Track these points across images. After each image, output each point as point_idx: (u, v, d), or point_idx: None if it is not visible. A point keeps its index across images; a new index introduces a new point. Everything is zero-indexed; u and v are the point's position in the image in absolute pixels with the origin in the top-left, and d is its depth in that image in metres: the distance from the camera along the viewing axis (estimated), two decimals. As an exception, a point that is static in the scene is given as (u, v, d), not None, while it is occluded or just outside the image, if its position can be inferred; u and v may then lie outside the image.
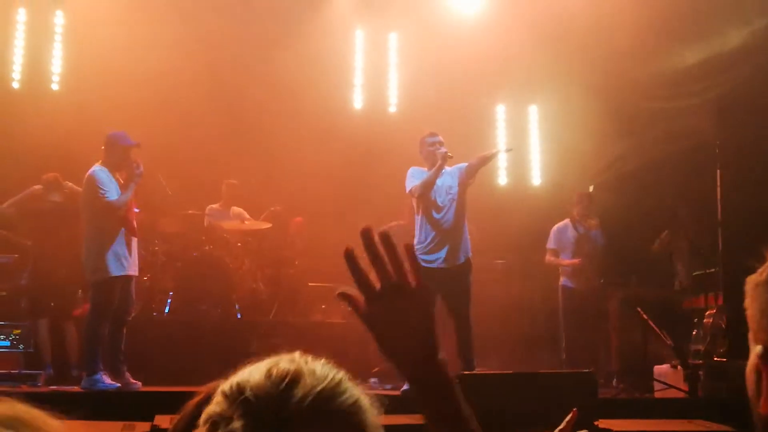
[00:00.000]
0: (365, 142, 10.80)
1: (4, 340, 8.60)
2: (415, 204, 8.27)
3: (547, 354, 10.17)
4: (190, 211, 10.02)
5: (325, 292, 10.33)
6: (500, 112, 11.85)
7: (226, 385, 1.18)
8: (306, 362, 1.20)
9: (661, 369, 8.84)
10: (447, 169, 8.09)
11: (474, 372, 7.31)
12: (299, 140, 10.45)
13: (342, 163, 10.60)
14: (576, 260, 9.70)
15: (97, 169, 7.74)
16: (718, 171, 8.73)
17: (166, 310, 9.32)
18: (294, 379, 1.15)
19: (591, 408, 6.34)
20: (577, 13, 10.46)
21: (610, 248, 9.86)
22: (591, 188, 10.11)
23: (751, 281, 1.22)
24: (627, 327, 9.55)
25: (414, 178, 8.11)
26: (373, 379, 9.24)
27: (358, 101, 11.40)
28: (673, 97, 10.14)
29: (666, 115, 10.05)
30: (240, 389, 1.15)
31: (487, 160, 8.29)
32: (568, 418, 2.13)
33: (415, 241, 8.09)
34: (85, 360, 7.72)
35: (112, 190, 7.66)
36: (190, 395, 1.31)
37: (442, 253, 7.99)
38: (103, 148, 7.84)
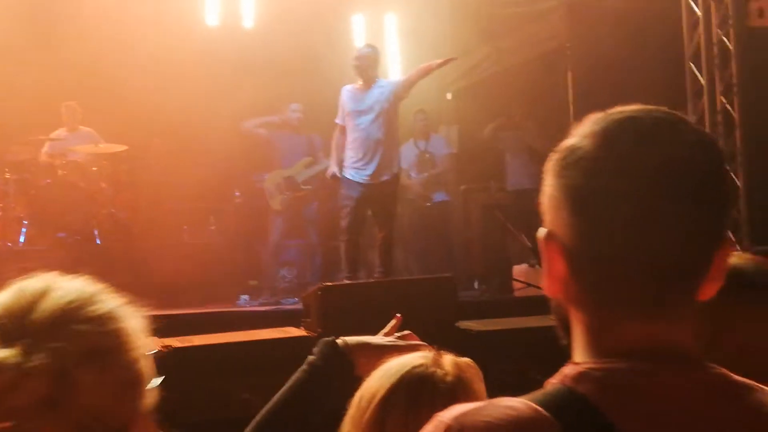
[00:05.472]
0: (222, 59, 10.54)
1: None
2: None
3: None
4: (39, 137, 9.63)
5: (187, 213, 10.19)
6: (357, 21, 11.72)
7: None
8: (57, 280, 1.23)
9: (520, 269, 9.11)
10: (381, 82, 8.18)
11: (335, 283, 7.38)
12: (149, 60, 10.07)
13: (198, 81, 10.33)
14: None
15: None
16: (569, 74, 8.91)
17: (21, 240, 9.01)
18: (41, 294, 1.19)
19: (451, 311, 6.51)
20: None
21: (465, 155, 10.02)
22: (449, 95, 10.19)
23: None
24: (488, 232, 9.77)
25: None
26: (243, 296, 9.25)
27: (212, 18, 11.03)
28: (527, 2, 10.23)
29: (521, 20, 10.14)
30: None
31: (428, 71, 8.32)
32: (392, 323, 2.17)
33: (346, 155, 8.22)
34: None
35: None
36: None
37: (370, 169, 8.04)
38: None
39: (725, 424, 1.14)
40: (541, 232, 1.23)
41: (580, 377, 1.16)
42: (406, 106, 10.09)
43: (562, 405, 1.13)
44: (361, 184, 8.09)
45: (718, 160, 1.21)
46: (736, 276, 1.74)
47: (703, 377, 1.18)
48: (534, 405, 1.13)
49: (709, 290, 1.21)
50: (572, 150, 1.20)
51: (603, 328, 1.19)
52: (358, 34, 11.70)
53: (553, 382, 1.18)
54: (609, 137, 1.18)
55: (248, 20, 11.18)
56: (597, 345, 1.19)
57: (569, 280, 1.20)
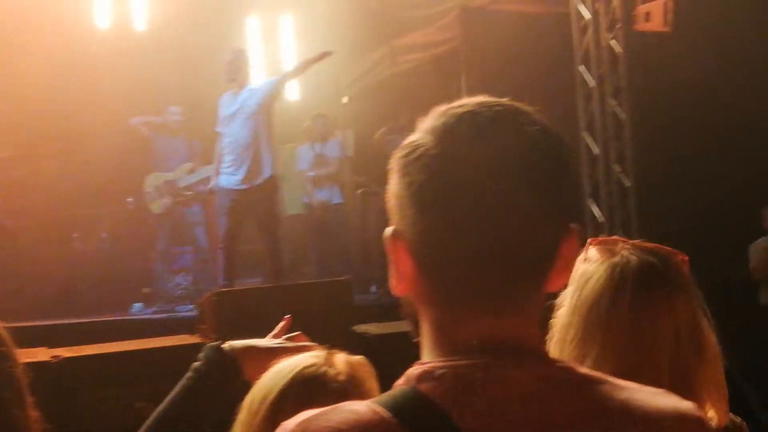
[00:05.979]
0: (112, 62, 10.27)
1: None
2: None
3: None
4: None
5: (78, 219, 9.94)
6: (252, 24, 11.58)
7: None
8: None
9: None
10: (252, 85, 8.12)
11: (231, 289, 7.30)
12: (36, 63, 9.73)
13: (87, 85, 10.05)
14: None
15: None
16: (463, 76, 9.00)
17: None
18: None
19: (347, 314, 6.49)
20: None
21: (362, 159, 10.02)
22: (345, 99, 10.18)
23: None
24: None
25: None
26: (137, 305, 9.08)
27: (102, 20, 10.72)
28: (423, 5, 10.28)
29: (416, 22, 10.19)
30: None
31: (305, 67, 8.27)
32: (281, 324, 2.13)
33: (222, 161, 8.12)
34: None
35: None
36: None
37: (240, 174, 7.92)
38: None
39: (567, 417, 1.14)
40: (388, 231, 1.22)
41: (423, 376, 1.16)
42: (305, 109, 10.06)
43: (404, 405, 1.13)
44: (233, 190, 7.99)
45: (558, 150, 1.20)
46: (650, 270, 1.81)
47: (546, 371, 1.17)
48: (376, 407, 1.13)
49: (557, 282, 1.21)
50: (414, 147, 1.19)
51: (449, 325, 1.19)
52: (253, 35, 11.58)
53: (399, 383, 1.18)
54: (448, 132, 1.17)
55: (140, 23, 10.91)
56: (443, 343, 1.19)
57: (417, 278, 1.19)
